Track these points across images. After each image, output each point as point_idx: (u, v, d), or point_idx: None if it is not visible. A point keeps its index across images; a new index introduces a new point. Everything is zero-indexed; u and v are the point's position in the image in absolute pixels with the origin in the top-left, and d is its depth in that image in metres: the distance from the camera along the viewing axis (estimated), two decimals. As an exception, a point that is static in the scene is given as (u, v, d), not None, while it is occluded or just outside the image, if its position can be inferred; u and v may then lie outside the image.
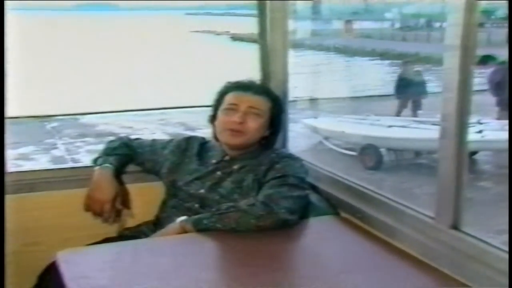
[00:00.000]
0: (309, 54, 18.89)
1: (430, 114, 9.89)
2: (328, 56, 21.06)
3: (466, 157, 1.66)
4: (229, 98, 2.21)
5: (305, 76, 12.79)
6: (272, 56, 2.55)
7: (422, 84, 11.51)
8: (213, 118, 2.25)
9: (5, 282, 1.65)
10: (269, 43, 2.55)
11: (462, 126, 1.63)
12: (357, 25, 30.06)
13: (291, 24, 2.59)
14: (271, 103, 2.24)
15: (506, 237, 1.56)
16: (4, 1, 1.94)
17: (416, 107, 11.19)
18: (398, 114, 11.15)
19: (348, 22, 27.96)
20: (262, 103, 2.21)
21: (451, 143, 1.65)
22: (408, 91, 11.21)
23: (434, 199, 1.72)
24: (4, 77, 2.07)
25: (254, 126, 2.17)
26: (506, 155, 7.81)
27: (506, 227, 1.60)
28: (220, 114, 2.21)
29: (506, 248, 1.52)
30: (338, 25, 27.90)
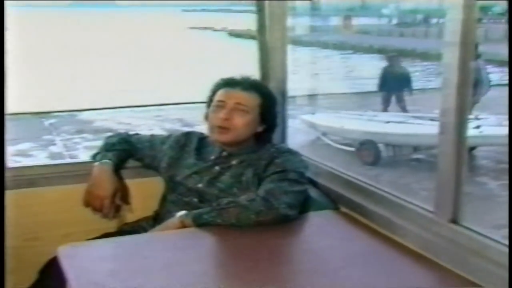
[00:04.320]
0: (307, 50, 18.88)
1: (424, 110, 9.91)
2: (326, 52, 21.05)
3: (465, 152, 1.67)
4: (218, 95, 2.22)
5: (303, 72, 12.79)
6: (271, 52, 2.55)
7: (407, 79, 11.48)
8: (207, 116, 2.25)
9: (5, 277, 1.66)
10: (268, 40, 2.55)
11: (461, 122, 1.64)
12: (355, 21, 30.02)
13: (290, 21, 2.59)
14: (261, 99, 2.22)
15: (504, 231, 1.57)
16: (4, 0, 1.94)
17: (400, 102, 11.15)
18: (385, 109, 11.12)
19: (347, 18, 27.90)
20: (250, 99, 2.19)
21: (450, 138, 1.66)
22: (393, 86, 11.18)
23: (434, 193, 1.73)
24: (4, 76, 2.08)
25: (241, 122, 2.16)
26: (504, 150, 7.83)
27: (503, 221, 1.61)
28: (209, 111, 2.22)
29: (506, 241, 1.53)
30: (336, 21, 27.86)
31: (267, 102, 2.24)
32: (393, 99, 11.20)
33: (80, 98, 13.55)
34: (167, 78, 16.97)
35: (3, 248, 1.70)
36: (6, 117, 2.28)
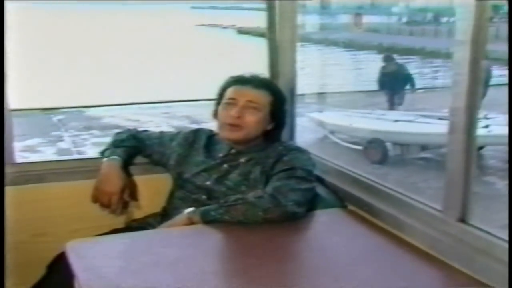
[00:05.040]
0: (316, 48, 18.86)
1: (429, 109, 9.89)
2: (335, 50, 21.01)
3: (475, 151, 1.67)
4: (229, 92, 2.22)
5: (312, 70, 12.78)
6: (280, 50, 2.55)
7: (405, 78, 11.51)
8: (216, 113, 2.25)
9: (5, 274, 1.67)
10: (277, 37, 2.55)
11: (471, 121, 1.63)
12: (364, 19, 29.94)
13: (300, 18, 2.59)
14: (272, 96, 2.22)
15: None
16: (4, 1, 1.95)
17: (398, 100, 11.17)
18: (391, 108, 11.15)
19: (358, 15, 27.76)
20: (261, 97, 2.20)
21: (460, 138, 1.65)
22: (391, 86, 11.21)
23: (442, 192, 1.73)
24: (4, 71, 2.09)
25: (252, 120, 2.16)
26: (511, 150, 7.81)
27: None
28: (220, 108, 2.22)
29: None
30: (346, 19, 27.76)
31: (277, 100, 2.24)
32: (391, 97, 11.23)
33: (88, 95, 13.58)
34: (175, 75, 16.98)
35: (3, 246, 1.70)
36: (14, 113, 2.30)
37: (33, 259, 2.11)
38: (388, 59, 12.00)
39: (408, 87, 11.54)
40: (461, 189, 1.67)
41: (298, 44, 2.57)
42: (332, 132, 9.75)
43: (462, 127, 1.63)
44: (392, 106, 11.22)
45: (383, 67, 11.68)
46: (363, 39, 24.02)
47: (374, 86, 12.21)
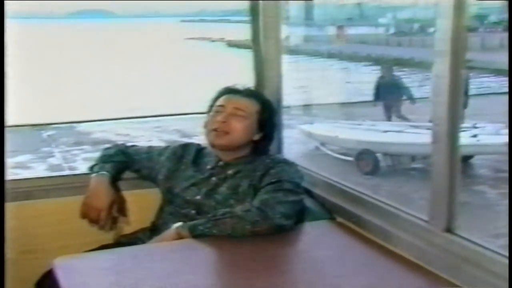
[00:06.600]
0: (303, 60, 18.92)
1: (422, 119, 9.91)
2: (322, 62, 21.08)
3: (459, 161, 1.68)
4: (219, 101, 2.25)
5: (299, 82, 12.83)
6: (266, 62, 2.56)
7: (404, 88, 11.54)
8: (206, 123, 2.27)
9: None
10: (262, 49, 2.56)
11: (453, 130, 1.65)
12: (352, 30, 30.03)
13: (284, 30, 2.60)
14: (260, 106, 2.25)
15: (503, 241, 1.57)
16: (4, 1, 1.95)
17: (397, 111, 11.19)
18: (389, 119, 11.15)
19: (340, 27, 27.73)
20: (248, 105, 2.22)
21: (443, 147, 1.66)
22: (390, 96, 11.23)
23: (428, 202, 1.74)
24: (4, 86, 2.09)
25: (238, 126, 2.18)
26: (501, 159, 7.84)
27: (502, 231, 1.62)
28: (209, 116, 2.24)
29: (502, 251, 1.53)
30: (332, 30, 27.83)
31: (265, 109, 2.27)
32: (390, 108, 11.22)
33: (78, 110, 13.54)
34: (165, 89, 16.98)
35: (3, 260, 1.70)
36: (5, 129, 2.29)
37: (22, 276, 2.10)
38: (386, 70, 12.00)
39: (401, 97, 11.53)
40: (447, 198, 1.68)
41: (283, 55, 2.58)
42: (323, 144, 9.76)
43: (445, 136, 1.65)
44: (389, 116, 11.21)
45: (381, 78, 11.68)
46: (351, 50, 24.07)
47: (363, 98, 12.23)
